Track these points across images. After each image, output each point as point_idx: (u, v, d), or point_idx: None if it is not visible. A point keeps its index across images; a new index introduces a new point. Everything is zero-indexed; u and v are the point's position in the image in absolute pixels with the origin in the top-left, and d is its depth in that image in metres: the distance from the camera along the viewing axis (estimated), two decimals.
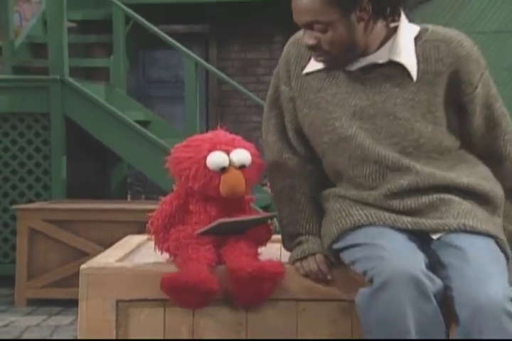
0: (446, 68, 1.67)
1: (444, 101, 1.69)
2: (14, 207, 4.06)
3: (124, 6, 4.69)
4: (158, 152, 4.16)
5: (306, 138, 1.79)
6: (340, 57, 1.66)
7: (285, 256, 1.81)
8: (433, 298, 1.51)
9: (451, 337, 1.55)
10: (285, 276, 1.69)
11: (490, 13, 5.20)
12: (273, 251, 1.86)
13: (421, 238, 1.65)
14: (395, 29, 1.68)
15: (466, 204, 1.66)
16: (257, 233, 1.75)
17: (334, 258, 1.72)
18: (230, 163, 1.71)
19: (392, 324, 1.50)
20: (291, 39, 1.81)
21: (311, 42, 1.65)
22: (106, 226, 3.82)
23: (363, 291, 1.55)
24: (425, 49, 1.68)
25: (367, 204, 1.69)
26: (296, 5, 1.64)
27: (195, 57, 4.62)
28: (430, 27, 1.71)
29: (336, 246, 1.69)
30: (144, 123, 4.80)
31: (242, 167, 1.72)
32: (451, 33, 1.70)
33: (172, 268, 1.71)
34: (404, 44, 1.67)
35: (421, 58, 1.68)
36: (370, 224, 1.65)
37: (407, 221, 1.65)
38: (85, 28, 5.53)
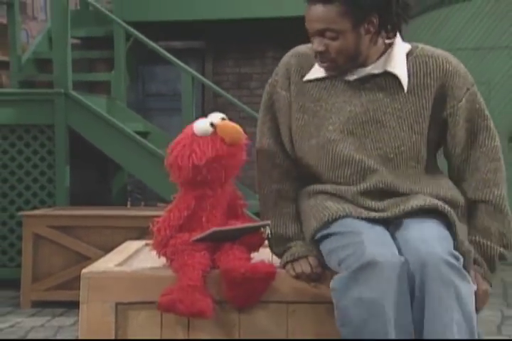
0: (434, 82, 1.71)
1: (431, 114, 1.72)
2: (20, 213, 4.04)
3: (124, 24, 4.69)
4: (156, 161, 4.15)
5: None
6: (343, 65, 1.69)
7: (277, 260, 1.81)
8: (406, 278, 1.52)
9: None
10: (276, 279, 1.68)
11: (468, 31, 5.22)
12: (265, 256, 1.84)
13: (387, 227, 1.68)
14: (390, 45, 1.72)
15: (426, 196, 1.69)
16: (250, 240, 1.74)
17: (316, 251, 1.71)
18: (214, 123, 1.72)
19: (369, 303, 1.49)
20: (292, 51, 1.83)
21: (320, 48, 1.67)
22: (107, 231, 3.79)
23: (340, 275, 1.55)
24: (415, 64, 1.72)
25: (343, 197, 1.70)
26: (312, 13, 1.66)
27: (192, 71, 4.62)
28: (420, 45, 1.76)
29: (315, 238, 1.69)
30: (144, 134, 4.79)
31: (224, 119, 1.74)
32: (439, 51, 1.75)
33: (168, 273, 1.70)
34: (398, 58, 1.71)
35: (411, 72, 1.71)
36: (347, 216, 1.66)
37: (376, 214, 1.67)
38: (88, 44, 5.52)
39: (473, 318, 1.52)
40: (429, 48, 1.75)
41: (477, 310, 1.59)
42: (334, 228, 1.65)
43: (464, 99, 1.72)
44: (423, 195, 1.70)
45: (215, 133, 1.70)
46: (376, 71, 1.71)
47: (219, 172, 1.72)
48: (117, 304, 1.70)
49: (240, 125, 1.77)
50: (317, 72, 1.75)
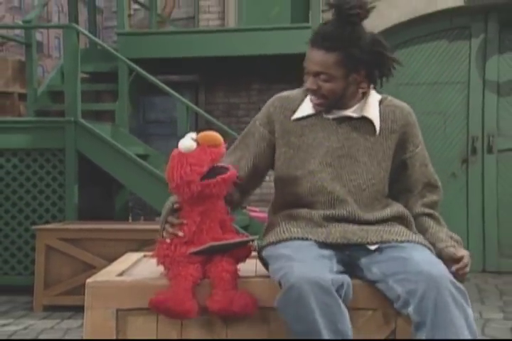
0: (398, 128, 1.78)
1: (393, 154, 1.78)
2: (34, 227, 4.00)
3: (127, 60, 4.69)
4: (155, 181, 4.14)
5: (255, 173, 1.81)
6: (331, 103, 1.73)
7: (260, 271, 1.78)
8: (334, 291, 1.51)
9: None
10: (257, 286, 1.65)
11: (426, 69, 5.29)
12: (249, 266, 1.82)
13: (351, 250, 1.68)
14: (364, 93, 1.77)
15: (382, 227, 1.72)
16: (238, 253, 1.71)
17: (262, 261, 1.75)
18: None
19: (303, 318, 1.50)
20: (277, 96, 1.85)
21: (313, 87, 1.72)
22: (110, 243, 3.76)
23: (278, 296, 1.55)
24: (385, 111, 1.78)
25: (311, 220, 1.72)
26: (313, 56, 1.69)
27: (187, 102, 4.63)
28: (388, 96, 1.83)
29: (264, 253, 1.72)
30: (144, 157, 4.77)
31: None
32: (403, 104, 1.83)
33: (164, 282, 1.67)
34: (373, 106, 1.77)
35: (381, 118, 1.77)
36: (302, 239, 1.67)
37: (336, 236, 1.68)
38: (96, 78, 5.51)
39: (476, 337, 1.55)
40: (395, 100, 1.83)
41: (466, 273, 1.67)
42: (279, 249, 1.66)
43: (419, 146, 1.82)
44: (379, 227, 1.72)
45: (199, 145, 1.67)
46: (355, 115, 1.76)
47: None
48: (118, 310, 1.67)
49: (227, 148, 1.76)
50: (303, 111, 1.79)
